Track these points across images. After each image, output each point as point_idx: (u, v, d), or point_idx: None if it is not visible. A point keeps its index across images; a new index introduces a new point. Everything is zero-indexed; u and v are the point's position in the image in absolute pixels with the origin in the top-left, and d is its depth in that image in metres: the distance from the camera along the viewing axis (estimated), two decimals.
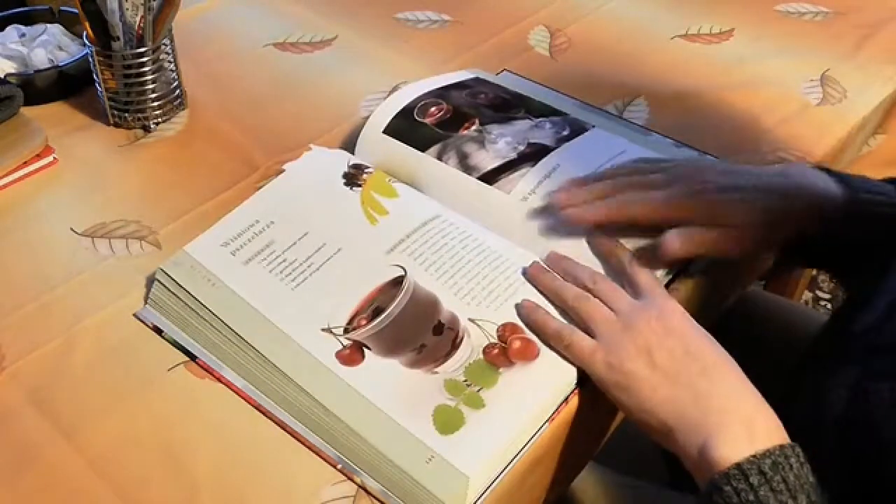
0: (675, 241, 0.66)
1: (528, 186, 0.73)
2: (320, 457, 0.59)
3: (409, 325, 0.64)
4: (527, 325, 0.63)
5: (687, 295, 0.70)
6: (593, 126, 0.80)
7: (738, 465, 0.52)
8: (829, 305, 1.73)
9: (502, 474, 0.58)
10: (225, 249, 0.68)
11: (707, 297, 0.75)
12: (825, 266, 0.80)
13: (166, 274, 0.67)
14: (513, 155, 0.75)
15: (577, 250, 0.69)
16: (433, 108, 0.81)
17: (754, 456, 0.52)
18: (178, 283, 0.66)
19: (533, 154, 0.76)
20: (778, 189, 0.68)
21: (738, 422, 0.55)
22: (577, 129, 0.79)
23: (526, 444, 0.59)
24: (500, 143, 0.77)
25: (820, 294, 1.75)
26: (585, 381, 0.62)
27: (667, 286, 0.68)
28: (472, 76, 0.87)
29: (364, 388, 0.60)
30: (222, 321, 0.64)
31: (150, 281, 0.69)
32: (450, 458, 0.56)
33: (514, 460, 0.58)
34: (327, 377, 0.61)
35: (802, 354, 0.68)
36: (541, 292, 0.66)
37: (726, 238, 0.67)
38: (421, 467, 0.56)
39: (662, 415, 0.57)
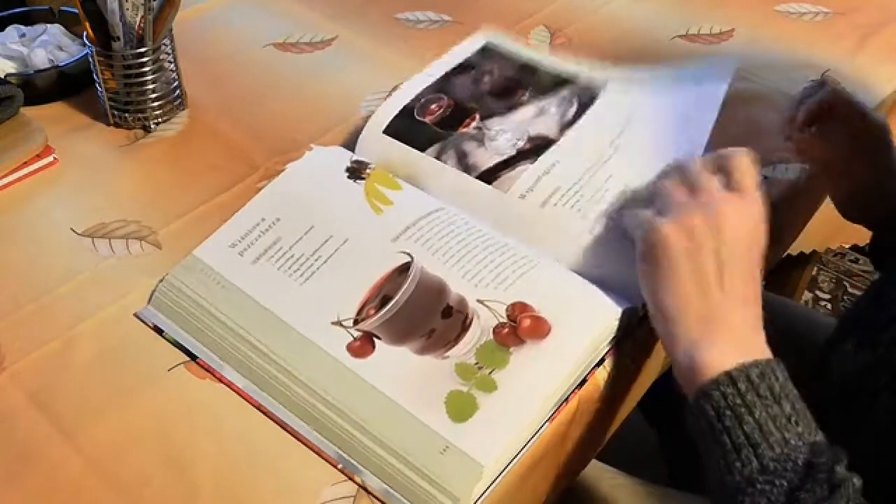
0: (805, 138, 0.75)
1: (526, 184, 0.73)
2: (321, 457, 0.59)
3: (417, 311, 0.64)
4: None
5: None
6: (602, 91, 0.80)
7: (727, 373, 0.54)
8: (828, 306, 1.73)
9: (505, 471, 0.58)
10: (233, 250, 0.69)
11: None
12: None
13: (177, 278, 0.67)
14: (512, 152, 0.76)
15: (576, 247, 0.69)
16: (433, 106, 0.81)
17: (743, 364, 0.55)
18: (189, 288, 0.66)
19: (533, 150, 0.76)
20: None
21: (730, 335, 0.57)
22: (586, 99, 0.79)
23: (539, 429, 0.59)
24: (500, 140, 0.77)
25: (820, 294, 1.75)
26: (586, 378, 0.62)
27: None
28: (483, 42, 0.87)
29: (376, 379, 0.60)
30: (234, 323, 0.64)
31: (151, 281, 0.69)
32: (465, 448, 0.57)
33: (525, 449, 0.59)
34: (339, 372, 0.61)
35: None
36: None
37: (841, 169, 0.76)
38: (435, 458, 0.56)
39: (670, 300, 0.59)
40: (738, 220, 0.60)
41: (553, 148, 0.76)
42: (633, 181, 0.71)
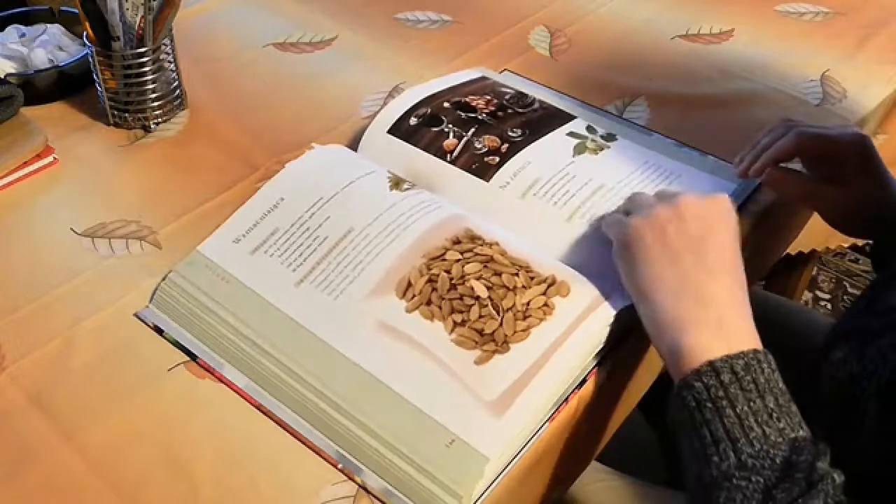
0: (775, 175, 0.72)
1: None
2: (321, 456, 0.59)
3: None
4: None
5: None
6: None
7: (711, 363, 0.54)
8: (828, 305, 1.73)
9: (507, 468, 0.58)
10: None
11: None
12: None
13: (180, 275, 0.67)
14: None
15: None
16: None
17: (728, 355, 0.54)
18: (192, 284, 0.67)
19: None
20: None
21: (715, 319, 0.56)
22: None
23: (540, 427, 0.60)
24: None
25: (820, 294, 1.75)
26: (582, 385, 0.63)
27: None
28: (476, 75, 0.87)
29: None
30: (237, 318, 0.64)
31: (151, 281, 0.69)
32: (471, 441, 0.57)
33: (528, 445, 0.59)
34: (343, 366, 0.61)
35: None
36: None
37: (826, 195, 0.74)
38: (441, 452, 0.57)
39: (645, 280, 0.59)
40: (702, 207, 0.62)
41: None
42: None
